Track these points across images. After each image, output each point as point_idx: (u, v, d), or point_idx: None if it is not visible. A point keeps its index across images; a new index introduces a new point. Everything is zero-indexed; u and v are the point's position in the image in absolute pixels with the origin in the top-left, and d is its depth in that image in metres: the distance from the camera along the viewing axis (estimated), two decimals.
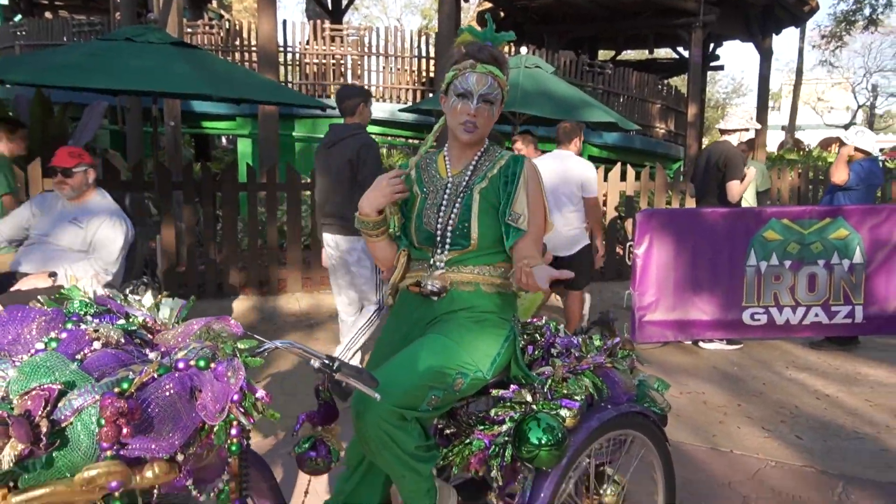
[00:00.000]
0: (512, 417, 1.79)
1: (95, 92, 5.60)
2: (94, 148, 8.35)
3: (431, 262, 1.88)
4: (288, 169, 6.30)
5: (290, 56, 10.53)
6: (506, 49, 10.66)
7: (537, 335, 2.25)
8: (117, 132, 9.75)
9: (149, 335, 1.25)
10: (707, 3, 11.52)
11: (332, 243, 3.92)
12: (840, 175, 5.04)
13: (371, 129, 10.65)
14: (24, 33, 11.90)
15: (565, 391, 1.84)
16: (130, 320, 1.25)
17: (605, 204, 7.23)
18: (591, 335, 2.07)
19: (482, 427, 1.81)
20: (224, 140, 17.20)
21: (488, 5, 14.49)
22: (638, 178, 7.39)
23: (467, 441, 1.81)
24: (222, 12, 23.61)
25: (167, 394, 1.05)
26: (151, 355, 1.13)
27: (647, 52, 17.11)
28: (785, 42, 67.03)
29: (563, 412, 1.80)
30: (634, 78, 11.55)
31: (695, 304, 4.91)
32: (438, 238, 1.87)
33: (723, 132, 5.27)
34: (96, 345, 1.13)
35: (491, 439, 1.79)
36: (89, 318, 1.20)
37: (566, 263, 4.43)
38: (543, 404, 1.81)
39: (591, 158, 10.51)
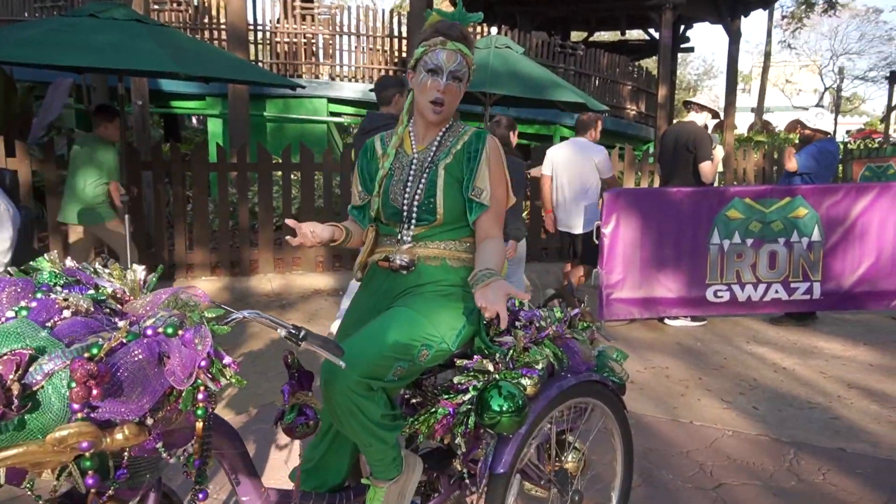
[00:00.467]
0: (475, 386, 1.86)
1: (59, 70, 5.50)
2: (59, 127, 8.22)
3: (399, 237, 1.93)
4: (259, 149, 6.28)
5: (260, 35, 10.40)
6: (477, 30, 10.66)
7: None
8: (83, 112, 9.58)
9: (118, 305, 1.28)
10: None
11: None
12: (790, 164, 5.26)
13: (343, 108, 10.66)
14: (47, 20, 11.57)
15: (526, 360, 1.91)
16: (100, 290, 1.28)
17: None
18: (552, 308, 2.14)
19: (447, 396, 1.88)
20: (195, 120, 16.96)
21: None
22: None
23: (432, 410, 1.88)
24: None
25: (136, 359, 1.09)
26: (121, 323, 1.17)
27: (619, 33, 17.20)
28: (755, 24, 67.68)
29: (524, 381, 1.87)
30: (606, 59, 11.63)
31: (660, 281, 5.03)
32: (405, 213, 1.92)
33: (689, 105, 5.38)
34: (66, 313, 1.16)
35: (455, 408, 1.86)
36: (59, 288, 1.23)
37: (583, 239, 5.29)
38: (505, 373, 1.88)
39: (563, 139, 10.61)
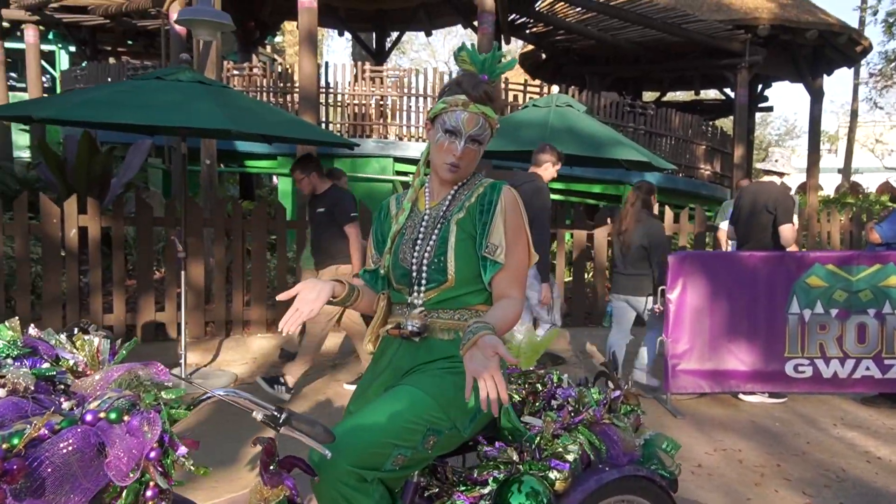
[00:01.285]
0: (495, 478, 1.64)
1: (137, 131, 5.74)
2: (136, 185, 8.59)
3: (409, 301, 1.77)
4: None
5: (331, 97, 10.70)
6: (543, 89, 10.62)
7: (539, 385, 2.10)
8: (166, 171, 10.02)
9: (75, 380, 1.16)
10: (753, 45, 11.29)
11: None
12: (873, 237, 4.88)
13: (409, 168, 10.74)
14: (83, 76, 12.44)
15: (556, 449, 1.68)
16: (60, 363, 1.15)
17: None
18: (591, 387, 1.90)
19: (464, 488, 1.66)
20: (274, 179, 17.58)
21: (530, 48, 14.56)
22: (677, 219, 7.16)
23: (447, 503, 1.66)
24: (275, 56, 24.43)
25: (64, 451, 0.95)
26: (66, 405, 1.04)
27: (692, 93, 16.87)
28: (839, 82, 65.49)
29: (552, 474, 1.64)
30: (678, 119, 11.33)
31: (732, 353, 4.63)
32: (414, 274, 1.76)
33: (766, 173, 5.07)
34: (0, 392, 1.03)
35: (472, 502, 1.63)
36: (10, 360, 1.11)
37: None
38: (531, 464, 1.65)
39: None
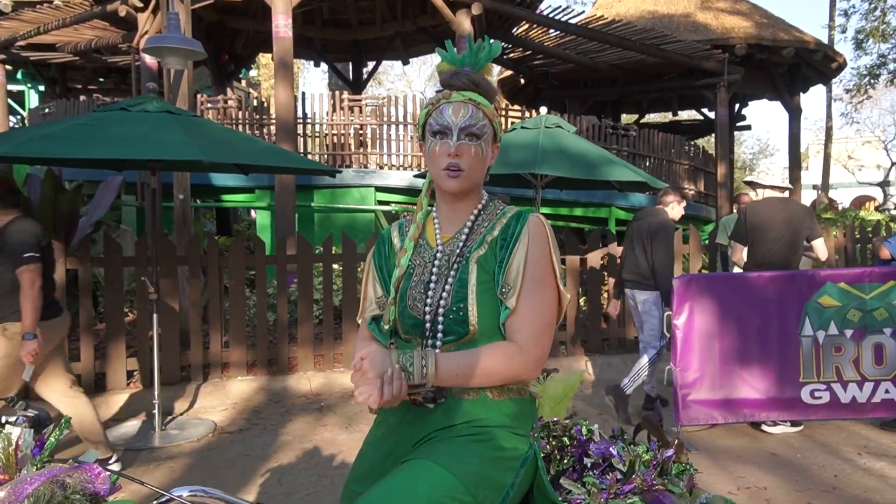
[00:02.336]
0: None
1: (99, 166, 5.42)
2: (106, 224, 8.20)
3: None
4: (299, 240, 6.01)
5: (309, 127, 10.45)
6: (525, 114, 10.47)
7: (566, 438, 1.79)
8: (140, 208, 9.64)
9: None
10: (731, 63, 11.29)
11: (630, 294, 5.03)
12: (883, 253, 4.76)
13: (390, 196, 10.48)
14: (52, 115, 12.09)
15: None
16: None
17: None
18: (635, 441, 1.61)
19: None
20: (252, 213, 17.20)
21: (509, 73, 14.50)
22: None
23: None
24: (251, 90, 24.20)
25: None
26: None
27: (670, 114, 16.92)
28: (811, 100, 66.92)
29: None
30: (659, 139, 11.25)
31: (745, 380, 4.37)
32: (428, 325, 1.45)
33: (753, 185, 4.96)
34: None
35: None
36: None
37: None
38: None
39: (619, 222, 10.11)
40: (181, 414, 5.08)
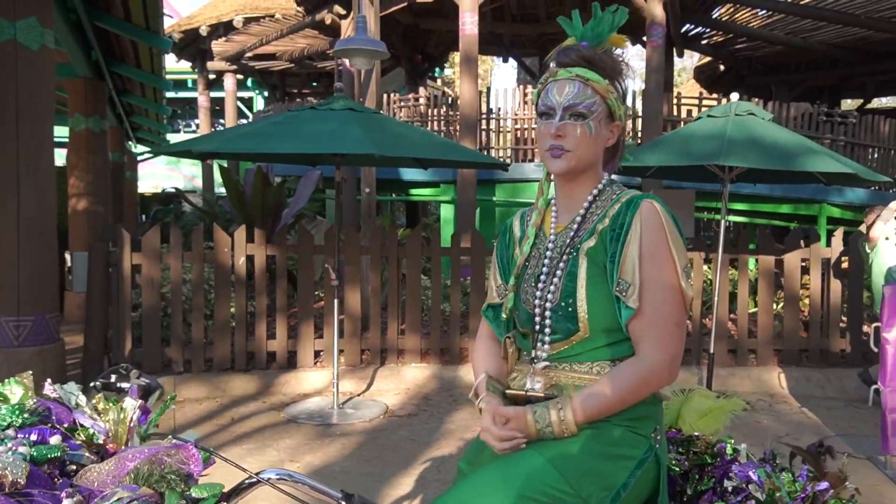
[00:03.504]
0: None
1: (292, 162, 5.93)
2: (306, 215, 8.99)
3: (532, 354, 1.41)
4: (473, 234, 6.12)
5: (493, 123, 10.59)
6: (722, 101, 9.69)
7: (707, 457, 1.64)
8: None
9: (94, 457, 0.94)
10: None
11: None
12: None
13: None
14: (270, 116, 13.51)
15: None
16: (76, 434, 0.95)
17: (845, 274, 5.99)
18: (779, 467, 1.42)
19: None
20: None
21: (707, 60, 13.55)
22: None
23: None
24: (445, 89, 25.15)
25: None
26: (67, 503, 0.82)
27: None
28: None
29: None
30: (887, 126, 9.81)
31: None
32: (538, 320, 1.39)
33: None
34: None
35: None
36: (11, 431, 0.91)
37: None
38: None
39: (832, 221, 9.00)
40: (358, 395, 5.41)
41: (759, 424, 4.69)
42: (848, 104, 15.92)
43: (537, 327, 1.40)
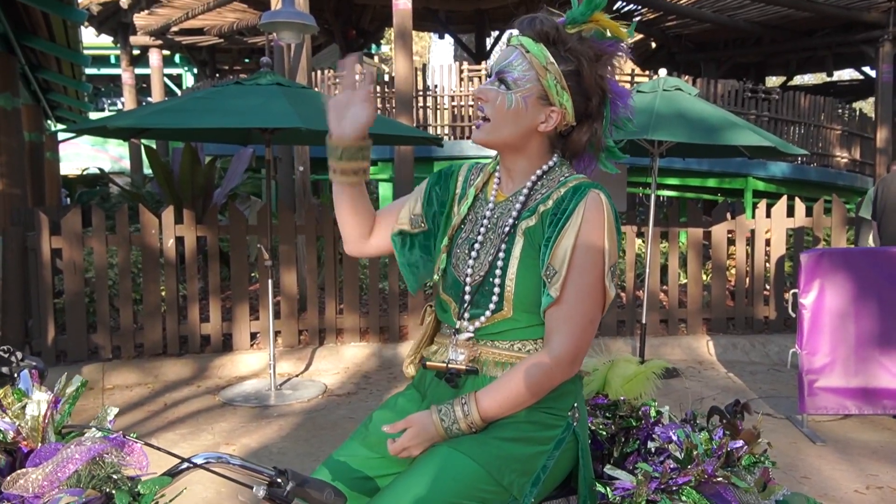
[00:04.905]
0: None
1: (222, 140, 5.75)
2: (238, 194, 8.75)
3: (456, 325, 1.40)
4: None
5: (430, 101, 10.52)
6: (653, 77, 9.88)
7: (633, 420, 1.68)
8: (275, 180, 10.20)
9: (4, 457, 0.87)
10: None
11: None
12: None
13: None
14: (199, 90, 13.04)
15: None
16: None
17: (768, 244, 6.25)
18: (699, 427, 1.46)
19: None
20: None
21: (640, 37, 13.77)
22: (809, 213, 6.33)
23: None
24: (383, 65, 24.78)
25: None
26: None
27: (825, 74, 15.36)
28: None
29: None
30: (807, 102, 10.22)
31: (884, 367, 3.91)
32: (467, 290, 1.37)
33: None
34: None
35: None
36: None
37: None
38: None
39: (757, 193, 9.36)
40: (296, 375, 5.34)
41: (688, 390, 4.86)
42: (773, 81, 16.50)
43: (465, 297, 1.38)
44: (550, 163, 1.40)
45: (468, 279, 1.37)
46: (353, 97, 1.33)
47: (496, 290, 1.33)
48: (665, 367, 1.86)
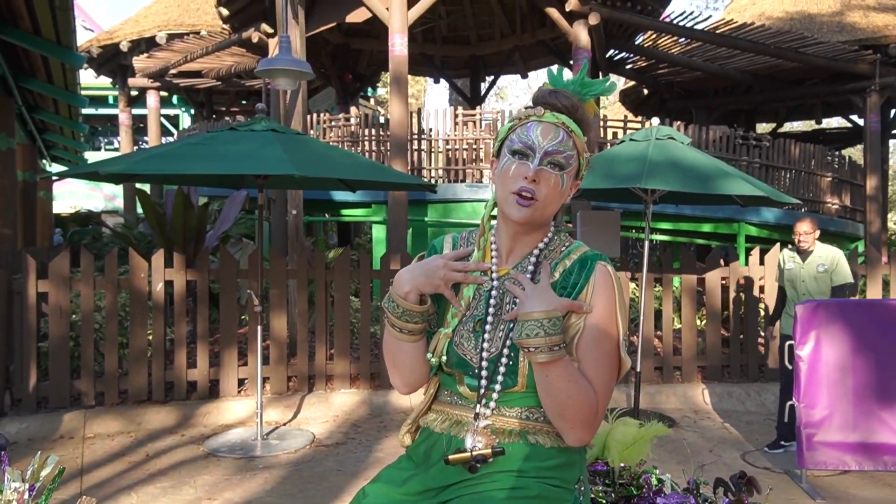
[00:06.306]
0: None
1: (214, 184, 5.73)
2: (230, 237, 8.72)
3: (476, 409, 1.32)
4: (403, 255, 6.04)
5: (425, 144, 10.59)
6: (645, 124, 10.00)
7: (633, 488, 1.61)
8: (269, 222, 10.19)
9: None
10: (885, 65, 10.21)
11: None
12: None
13: None
14: (195, 134, 13.11)
15: None
16: None
17: (762, 291, 6.22)
18: (714, 498, 1.40)
19: None
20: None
21: (632, 84, 13.99)
22: None
23: None
24: (379, 108, 25.04)
25: None
26: None
27: (813, 122, 15.61)
28: None
29: None
30: (797, 150, 10.34)
31: (884, 421, 3.84)
32: (484, 374, 1.31)
33: None
34: None
35: None
36: None
37: None
38: None
39: (749, 238, 9.38)
40: (284, 424, 5.22)
41: (685, 441, 4.77)
42: (763, 127, 16.73)
43: (483, 382, 1.31)
44: (550, 233, 1.38)
45: (484, 363, 1.31)
46: (449, 277, 1.33)
47: (510, 365, 1.29)
48: (666, 432, 1.79)
